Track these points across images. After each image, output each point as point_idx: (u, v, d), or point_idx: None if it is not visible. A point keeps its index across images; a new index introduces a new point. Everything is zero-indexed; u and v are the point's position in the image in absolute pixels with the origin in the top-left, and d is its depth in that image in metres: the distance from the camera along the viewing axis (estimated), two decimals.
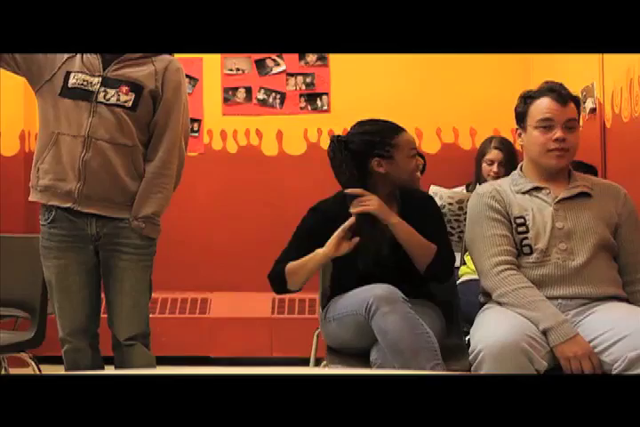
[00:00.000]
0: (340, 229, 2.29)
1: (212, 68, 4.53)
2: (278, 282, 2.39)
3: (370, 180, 2.41)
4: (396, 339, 2.11)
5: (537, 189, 2.29)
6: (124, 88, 2.40)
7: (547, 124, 2.21)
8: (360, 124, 2.47)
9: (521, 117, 2.29)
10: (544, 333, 2.04)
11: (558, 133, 2.20)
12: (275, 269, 2.39)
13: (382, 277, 2.29)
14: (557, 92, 2.23)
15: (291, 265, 2.36)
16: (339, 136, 2.45)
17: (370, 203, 2.32)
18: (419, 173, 3.71)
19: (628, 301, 2.22)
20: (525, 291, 2.13)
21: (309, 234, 2.41)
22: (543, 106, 2.23)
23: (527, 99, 2.28)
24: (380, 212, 2.32)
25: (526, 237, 2.22)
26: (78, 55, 2.43)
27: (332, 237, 2.29)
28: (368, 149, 2.39)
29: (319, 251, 2.32)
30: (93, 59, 2.42)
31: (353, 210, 2.32)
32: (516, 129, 2.34)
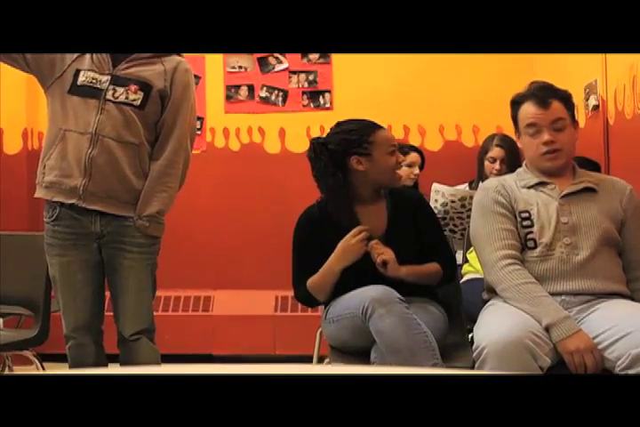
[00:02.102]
0: (351, 240, 2.33)
1: (215, 65, 4.53)
2: (309, 302, 2.49)
3: (351, 179, 2.43)
4: (393, 340, 2.11)
5: (542, 183, 2.29)
6: (133, 87, 2.41)
7: (533, 130, 2.24)
8: (338, 124, 2.49)
9: (514, 122, 2.33)
10: (546, 329, 2.05)
11: (546, 137, 2.22)
12: (299, 293, 2.47)
13: (383, 277, 2.30)
14: (537, 95, 2.25)
15: (311, 283, 2.42)
16: (318, 138, 2.48)
17: (386, 255, 2.33)
18: (416, 171, 3.72)
19: (631, 298, 2.22)
20: (529, 286, 2.13)
21: (308, 245, 2.45)
22: (527, 112, 2.26)
23: (514, 104, 2.32)
24: (391, 266, 2.33)
25: (531, 232, 2.23)
26: (88, 54, 2.43)
27: (345, 249, 2.33)
28: (346, 147, 2.40)
29: (334, 263, 2.36)
30: (103, 57, 2.42)
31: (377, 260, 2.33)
32: (516, 132, 2.37)
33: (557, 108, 2.25)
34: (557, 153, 2.24)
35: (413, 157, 3.72)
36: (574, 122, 2.30)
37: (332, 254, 2.37)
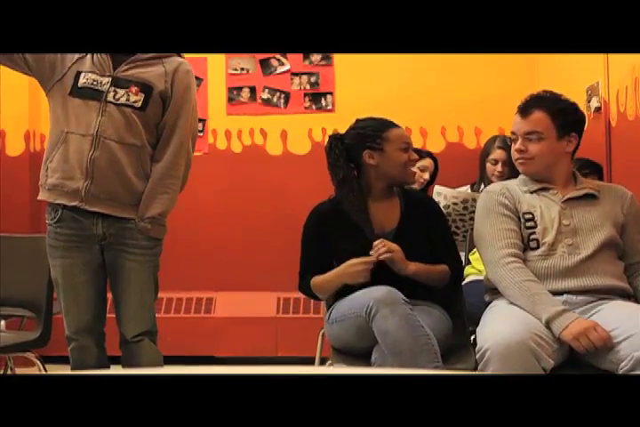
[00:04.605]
0: (365, 262, 2.34)
1: (217, 67, 4.54)
2: (309, 295, 2.54)
3: (364, 173, 2.51)
4: (396, 341, 2.12)
5: (544, 189, 2.33)
6: (134, 88, 2.41)
7: (513, 137, 2.35)
8: (357, 121, 2.59)
9: None
10: (547, 325, 2.05)
11: (517, 145, 2.32)
12: (302, 285, 2.53)
13: (387, 278, 2.31)
14: (521, 105, 2.33)
15: (316, 281, 2.46)
16: (336, 133, 2.59)
17: (393, 253, 2.34)
18: (426, 175, 3.71)
19: (633, 297, 2.24)
20: (529, 284, 2.15)
21: (317, 240, 2.50)
22: (513, 121, 2.35)
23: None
24: (399, 262, 2.36)
25: (534, 232, 2.26)
26: (89, 55, 2.43)
27: (358, 267, 2.34)
28: (360, 142, 2.50)
29: (337, 277, 2.38)
30: (104, 59, 2.42)
31: (378, 256, 2.34)
32: None
33: (537, 119, 2.27)
34: (526, 161, 2.31)
35: (427, 162, 3.72)
36: (564, 135, 2.28)
37: (338, 269, 2.40)
